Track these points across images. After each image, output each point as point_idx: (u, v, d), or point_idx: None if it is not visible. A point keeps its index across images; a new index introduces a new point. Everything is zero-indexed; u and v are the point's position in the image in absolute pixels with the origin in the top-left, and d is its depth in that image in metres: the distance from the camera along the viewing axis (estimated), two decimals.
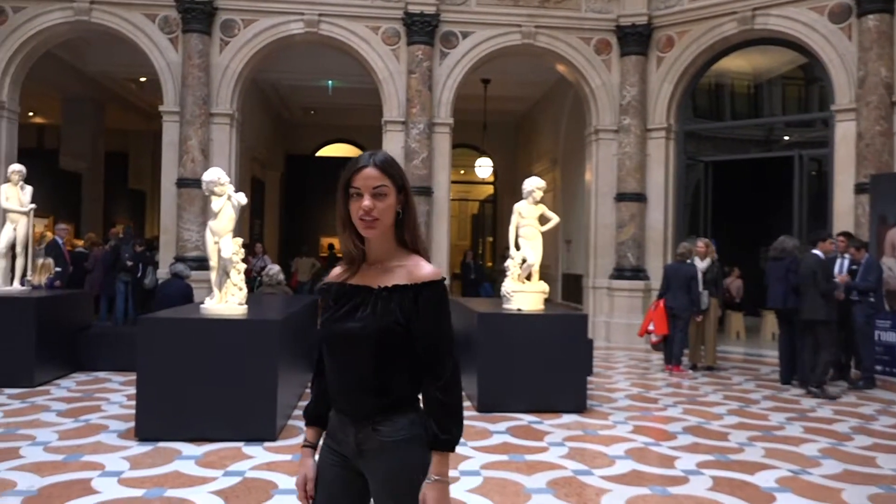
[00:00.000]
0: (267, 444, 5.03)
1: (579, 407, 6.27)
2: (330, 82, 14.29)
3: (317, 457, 1.95)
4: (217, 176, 5.54)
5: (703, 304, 8.66)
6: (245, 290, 5.62)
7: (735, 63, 11.81)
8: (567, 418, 6.05)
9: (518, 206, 6.72)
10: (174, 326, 5.25)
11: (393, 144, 10.99)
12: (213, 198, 5.55)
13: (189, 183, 10.34)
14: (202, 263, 10.21)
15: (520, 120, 19.11)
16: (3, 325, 6.76)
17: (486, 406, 6.18)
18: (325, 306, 1.89)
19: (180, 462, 4.60)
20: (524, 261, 6.59)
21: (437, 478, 1.75)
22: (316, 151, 19.61)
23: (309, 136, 19.23)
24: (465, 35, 11.11)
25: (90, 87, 14.45)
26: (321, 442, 1.97)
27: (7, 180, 7.63)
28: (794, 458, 5.01)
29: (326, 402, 1.94)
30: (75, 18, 10.44)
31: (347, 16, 10.86)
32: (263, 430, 5.13)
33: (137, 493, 4.01)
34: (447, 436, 1.76)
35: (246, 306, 5.59)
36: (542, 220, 6.77)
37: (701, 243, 8.97)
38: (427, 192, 10.83)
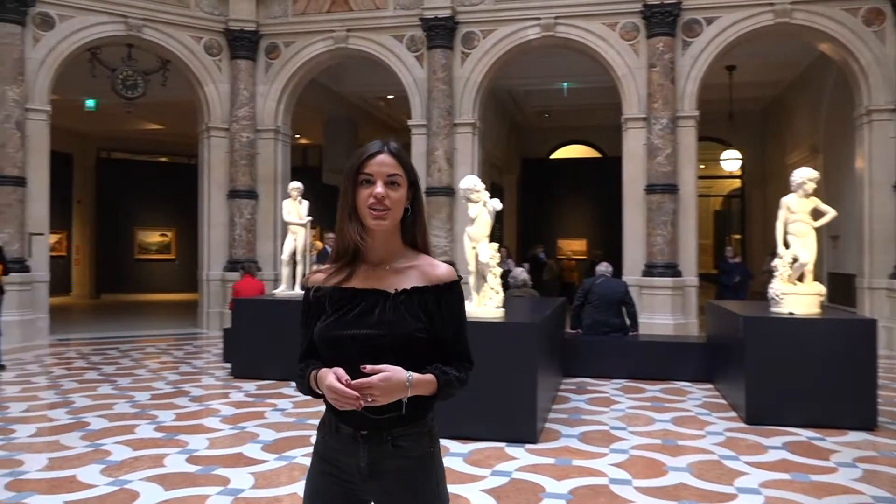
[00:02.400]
0: (528, 445, 5.07)
1: (867, 424, 5.57)
2: (565, 84, 14.24)
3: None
4: (473, 183, 5.71)
5: None
6: (502, 294, 5.75)
7: None
8: (854, 436, 5.40)
9: (786, 200, 6.14)
10: None
11: (634, 142, 10.68)
12: (470, 205, 5.73)
13: (437, 191, 10.89)
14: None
15: (769, 106, 17.60)
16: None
17: (756, 418, 5.71)
18: (319, 310, 1.72)
19: (450, 459, 4.74)
20: (795, 260, 6.01)
21: (411, 380, 1.60)
22: (551, 154, 19.68)
23: (544, 139, 19.35)
24: (709, 21, 10.46)
25: (346, 107, 15.83)
26: (311, 464, 1.79)
27: (287, 196, 8.59)
28: None
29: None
30: (335, 47, 11.51)
31: (583, 15, 10.75)
32: (524, 432, 5.17)
33: None
34: (449, 388, 1.69)
35: (503, 309, 5.71)
36: (816, 214, 6.13)
37: None
38: (672, 189, 10.36)
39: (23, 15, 10.15)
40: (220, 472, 4.46)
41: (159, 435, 5.36)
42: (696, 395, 6.94)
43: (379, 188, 1.65)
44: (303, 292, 1.81)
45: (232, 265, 11.61)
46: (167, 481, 4.26)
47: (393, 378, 1.57)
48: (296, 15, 11.74)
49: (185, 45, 11.54)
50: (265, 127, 11.95)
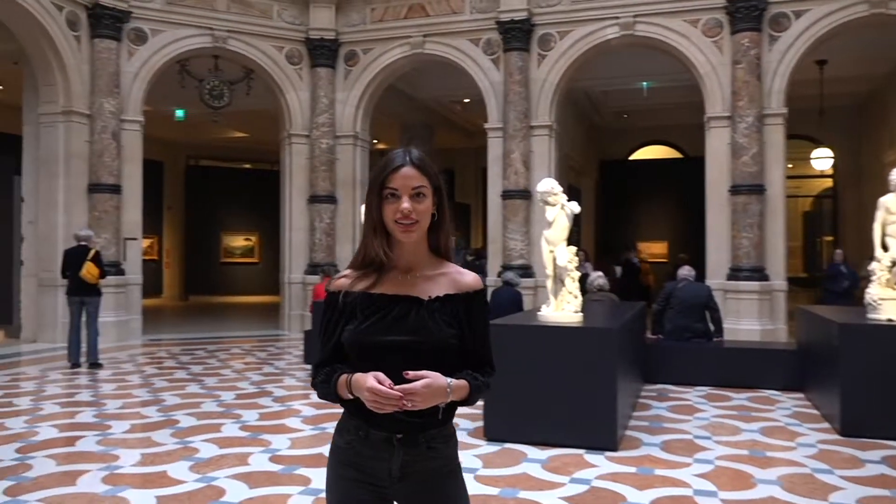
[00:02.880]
0: (608, 453, 4.96)
1: None
2: (645, 83, 13.93)
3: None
4: (551, 186, 5.66)
5: None
6: (580, 298, 5.66)
7: None
8: None
9: (884, 201, 5.81)
10: (516, 333, 5.43)
11: (717, 142, 10.34)
12: (547, 207, 5.67)
13: (513, 194, 10.85)
14: (527, 271, 10.65)
15: (864, 102, 16.70)
16: None
17: (851, 430, 5.41)
18: (349, 315, 1.73)
19: (527, 464, 4.72)
20: (894, 263, 5.68)
21: (451, 386, 1.64)
22: (630, 155, 19.28)
23: (622, 139, 18.97)
24: (798, 14, 10.03)
25: (422, 112, 15.94)
26: (333, 472, 1.78)
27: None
28: None
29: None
30: (412, 52, 11.64)
31: (664, 13, 10.49)
32: (604, 439, 5.07)
33: (493, 491, 4.22)
34: (478, 394, 1.73)
35: (581, 314, 5.63)
36: None
37: None
38: (759, 190, 9.98)
39: (118, 31, 10.69)
40: (302, 471, 4.53)
41: (244, 434, 5.50)
42: (785, 405, 6.66)
43: (405, 203, 1.66)
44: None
45: (312, 268, 11.88)
46: (251, 479, 4.37)
47: (434, 384, 1.61)
48: (374, 22, 11.93)
49: (268, 54, 11.89)
50: (344, 133, 12.18)
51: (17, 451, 4.96)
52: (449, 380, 1.63)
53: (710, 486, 4.29)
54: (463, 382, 1.68)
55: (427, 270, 1.74)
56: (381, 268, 1.72)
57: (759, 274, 9.96)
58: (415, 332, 1.67)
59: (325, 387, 1.74)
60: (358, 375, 1.65)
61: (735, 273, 10.05)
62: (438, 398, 1.62)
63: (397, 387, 1.58)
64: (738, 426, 5.83)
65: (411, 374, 1.60)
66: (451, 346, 1.70)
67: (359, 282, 1.73)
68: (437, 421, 1.70)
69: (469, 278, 1.77)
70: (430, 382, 1.60)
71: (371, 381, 1.59)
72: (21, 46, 10.30)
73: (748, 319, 9.86)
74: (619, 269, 14.67)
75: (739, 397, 6.98)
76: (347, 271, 1.78)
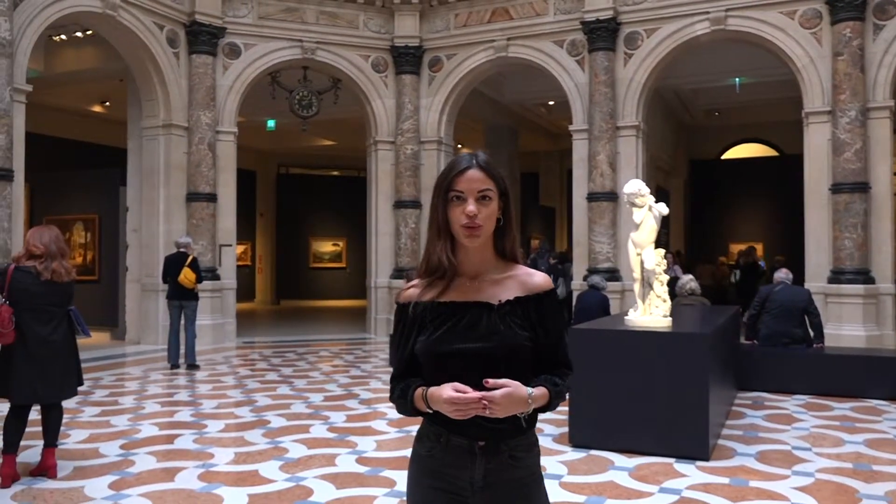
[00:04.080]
0: (699, 462, 4.79)
1: None
2: (737, 79, 13.41)
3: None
4: (638, 187, 5.53)
5: None
6: (669, 302, 5.50)
7: None
8: None
9: None
10: (603, 338, 5.33)
11: (817, 138, 9.84)
12: (635, 209, 5.54)
13: (599, 196, 10.66)
14: (613, 275, 10.43)
15: None
16: None
17: None
18: (420, 326, 1.71)
19: (614, 472, 4.62)
20: None
21: (532, 396, 1.62)
22: (722, 154, 18.59)
23: (713, 138, 18.29)
24: None
25: (506, 115, 15.90)
26: (412, 480, 1.77)
27: None
28: None
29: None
30: (496, 56, 11.64)
31: (757, 5, 10.07)
32: (695, 448, 4.89)
33: (579, 498, 4.14)
34: (558, 400, 1.70)
35: (670, 318, 5.46)
36: None
37: None
38: (863, 188, 9.42)
39: (214, 46, 11.15)
40: (387, 473, 4.57)
41: (331, 435, 5.59)
42: (893, 416, 6.28)
43: (471, 206, 1.64)
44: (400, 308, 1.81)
45: (398, 272, 12.03)
46: (338, 480, 4.43)
47: (514, 394, 1.59)
48: (457, 27, 11.99)
49: (354, 63, 12.13)
50: (428, 138, 12.29)
51: (121, 447, 5.20)
52: (529, 390, 1.61)
53: (810, 501, 4.07)
54: (543, 391, 1.65)
55: (494, 274, 1.72)
56: (447, 275, 1.70)
57: (863, 276, 9.40)
58: (488, 338, 1.66)
59: (402, 402, 1.74)
60: (433, 389, 1.63)
61: (837, 276, 9.52)
62: (518, 407, 1.60)
63: (477, 394, 1.57)
64: (840, 437, 5.53)
65: (491, 382, 1.58)
66: (525, 348, 1.68)
67: (427, 291, 1.72)
68: (520, 429, 1.68)
69: (538, 279, 1.75)
70: (510, 392, 1.58)
71: (449, 392, 1.59)
72: (125, 64, 10.89)
73: (851, 324, 9.33)
74: (737, 273, 13.91)
75: (842, 407, 6.62)
76: (415, 281, 1.77)
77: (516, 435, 1.68)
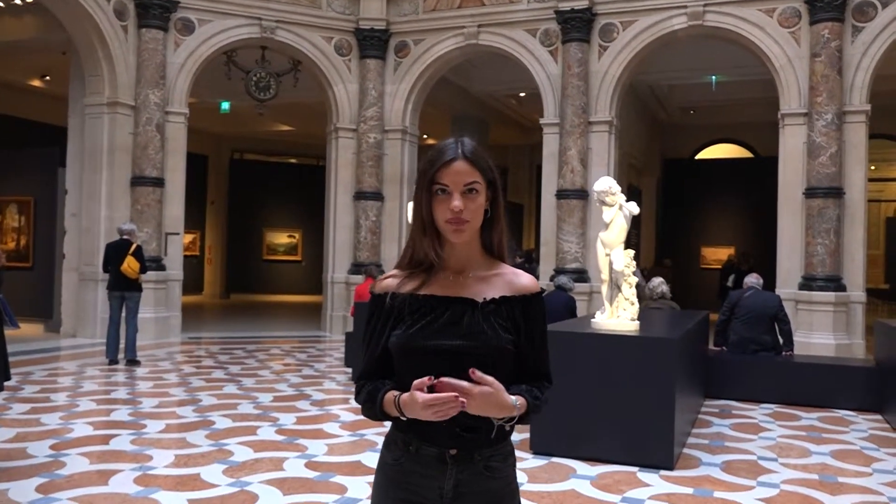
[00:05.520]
0: (663, 472, 4.61)
1: None
2: (714, 77, 13.20)
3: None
4: (608, 185, 5.26)
5: None
6: (637, 305, 5.27)
7: None
8: None
9: None
10: (568, 340, 5.01)
11: (792, 140, 9.64)
12: (605, 208, 5.30)
13: (569, 194, 10.31)
14: (581, 276, 10.10)
15: None
16: None
17: None
18: (396, 318, 1.59)
19: (576, 481, 4.43)
20: None
21: (518, 406, 1.52)
22: (696, 154, 18.44)
23: (688, 137, 18.08)
24: (885, 3, 9.25)
25: (476, 106, 15.43)
26: (379, 491, 1.64)
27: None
28: None
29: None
30: (465, 43, 11.19)
31: (736, 2, 9.81)
32: (659, 457, 4.68)
33: None
34: (536, 413, 1.60)
35: (638, 322, 5.21)
36: None
37: None
38: (836, 193, 9.24)
39: (165, 21, 10.46)
40: (338, 479, 4.34)
41: (280, 438, 5.30)
42: (860, 427, 6.15)
43: (456, 201, 1.53)
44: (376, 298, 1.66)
45: (356, 268, 11.49)
46: (285, 485, 4.21)
47: (495, 397, 1.47)
48: (426, 12, 11.49)
49: (316, 45, 11.55)
50: (392, 127, 11.78)
51: (52, 447, 4.88)
52: (514, 399, 1.51)
53: None
54: (524, 401, 1.55)
55: (480, 271, 1.63)
56: (431, 268, 1.61)
57: (834, 284, 9.22)
58: (469, 337, 1.55)
59: (369, 406, 1.60)
60: (405, 396, 1.50)
61: (808, 282, 9.33)
62: (493, 410, 1.48)
63: (445, 379, 1.44)
64: (807, 448, 5.42)
65: (477, 374, 1.45)
66: (508, 352, 1.58)
67: (407, 282, 1.62)
68: (498, 437, 1.58)
69: (525, 280, 1.65)
70: (490, 392, 1.46)
71: (421, 397, 1.44)
72: (68, 36, 10.17)
73: (821, 333, 9.15)
74: (731, 278, 13.50)
75: (809, 417, 6.49)
76: (394, 271, 1.66)
77: (492, 444, 1.58)
